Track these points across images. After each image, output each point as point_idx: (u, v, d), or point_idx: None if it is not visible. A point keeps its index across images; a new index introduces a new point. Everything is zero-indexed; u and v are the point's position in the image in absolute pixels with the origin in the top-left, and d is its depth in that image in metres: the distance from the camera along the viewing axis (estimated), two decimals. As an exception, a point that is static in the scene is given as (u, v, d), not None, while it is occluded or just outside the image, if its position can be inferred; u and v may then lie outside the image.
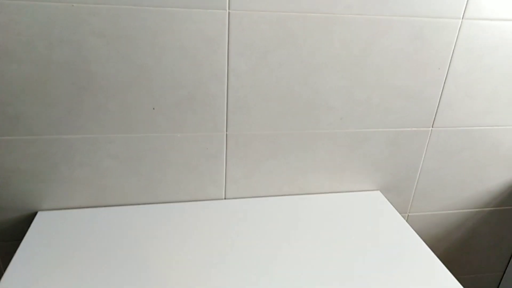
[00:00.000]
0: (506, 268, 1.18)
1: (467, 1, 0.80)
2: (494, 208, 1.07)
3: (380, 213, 0.90)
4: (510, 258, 1.17)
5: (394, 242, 0.81)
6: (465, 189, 1.02)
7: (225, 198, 0.92)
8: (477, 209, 1.06)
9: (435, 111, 0.90)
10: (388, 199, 0.98)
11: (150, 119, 0.80)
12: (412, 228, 0.99)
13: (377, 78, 0.84)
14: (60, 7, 0.68)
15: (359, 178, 0.96)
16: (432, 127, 0.92)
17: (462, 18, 0.81)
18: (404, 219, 0.97)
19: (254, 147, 0.88)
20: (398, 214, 0.90)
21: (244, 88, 0.81)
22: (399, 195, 1.00)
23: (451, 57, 0.85)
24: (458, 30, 0.82)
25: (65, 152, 0.80)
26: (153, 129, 0.82)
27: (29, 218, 0.85)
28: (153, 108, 0.80)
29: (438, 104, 0.89)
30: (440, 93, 0.88)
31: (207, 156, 0.87)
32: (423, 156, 0.96)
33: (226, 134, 0.85)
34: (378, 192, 0.98)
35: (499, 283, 1.21)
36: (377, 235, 0.82)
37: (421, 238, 0.96)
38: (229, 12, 0.74)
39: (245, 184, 0.92)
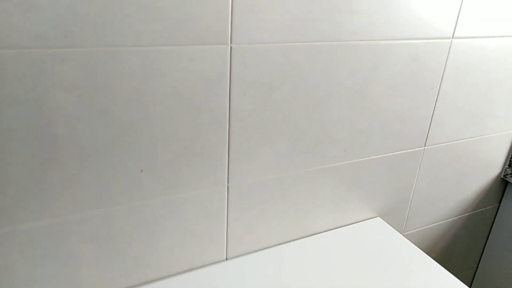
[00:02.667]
0: (478, 265, 1.25)
1: (457, 21, 0.80)
2: (471, 213, 1.11)
3: (386, 240, 0.85)
4: (481, 255, 1.23)
5: (410, 267, 0.76)
6: (449, 200, 1.04)
7: (226, 259, 0.79)
8: (458, 216, 1.09)
9: (428, 130, 0.89)
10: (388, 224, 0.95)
11: (137, 184, 0.63)
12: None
13: (378, 104, 0.80)
14: (11, 55, 0.48)
15: (361, 207, 0.90)
16: (425, 146, 0.91)
17: (452, 37, 0.81)
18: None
19: (258, 195, 0.76)
20: (405, 238, 0.86)
21: (247, 132, 0.69)
22: (395, 218, 0.98)
23: (442, 76, 0.84)
24: (448, 50, 0.82)
25: (24, 247, 0.58)
26: (141, 196, 0.65)
27: None
28: (141, 171, 0.63)
29: (430, 123, 0.89)
30: (432, 112, 0.87)
31: (206, 215, 0.72)
32: (416, 175, 0.94)
33: (228, 187, 0.72)
34: (378, 218, 0.94)
35: (472, 279, 1.27)
36: (391, 263, 0.77)
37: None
38: (231, 47, 0.61)
39: (248, 238, 0.79)
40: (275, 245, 0.83)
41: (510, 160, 1.09)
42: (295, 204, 0.81)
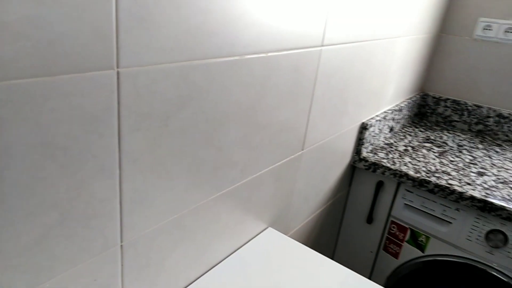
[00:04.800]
0: (337, 239, 1.41)
1: (325, 29, 0.82)
2: (332, 200, 1.23)
3: (277, 245, 0.85)
4: (339, 230, 1.39)
5: (296, 262, 0.79)
6: (318, 194, 1.12)
7: (125, 330, 0.63)
8: (324, 206, 1.19)
9: (305, 135, 0.91)
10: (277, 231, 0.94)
11: (-8, 285, 0.42)
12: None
13: (268, 117, 0.76)
14: None
15: (255, 223, 0.87)
16: (302, 150, 0.93)
17: (322, 45, 0.83)
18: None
19: (157, 245, 0.62)
20: (290, 239, 0.88)
21: (142, 174, 0.55)
22: (281, 223, 0.98)
23: (315, 83, 0.86)
24: (319, 57, 0.84)
25: None
26: (1, 299, 0.43)
27: None
28: (-3, 264, 0.42)
29: (307, 128, 0.91)
30: (308, 117, 0.89)
31: (97, 289, 0.55)
32: (296, 179, 0.96)
33: (122, 246, 0.56)
34: (270, 228, 0.92)
35: (334, 251, 1.43)
36: (283, 264, 0.78)
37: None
38: (118, 72, 0.46)
39: (148, 296, 0.65)
40: (177, 292, 0.71)
41: (356, 149, 1.24)
42: (196, 241, 0.71)
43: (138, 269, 0.60)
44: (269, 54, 0.69)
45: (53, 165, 0.43)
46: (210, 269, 0.77)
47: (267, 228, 0.92)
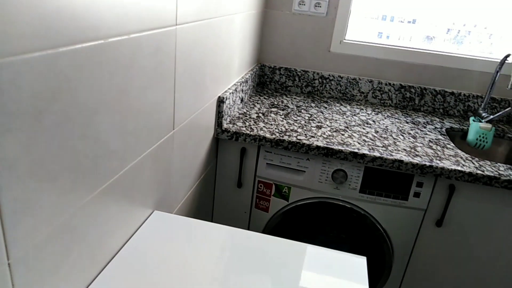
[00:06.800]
0: (213, 204, 1.48)
1: (177, 9, 0.84)
2: (205, 173, 1.29)
3: (166, 225, 0.87)
4: (214, 196, 1.47)
5: (188, 235, 0.85)
6: (193, 169, 1.15)
7: None
8: (199, 180, 1.24)
9: (173, 115, 0.93)
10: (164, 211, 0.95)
11: None
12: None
13: (139, 101, 0.75)
14: None
15: (141, 209, 0.85)
16: (174, 129, 0.95)
17: (176, 24, 0.85)
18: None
19: (48, 253, 0.57)
20: (177, 215, 0.91)
21: (21, 180, 0.49)
22: (165, 204, 0.99)
23: (175, 61, 0.88)
24: (175, 36, 0.85)
25: None
26: None
27: None
28: None
29: (174, 107, 0.92)
30: (174, 96, 0.91)
31: (-12, 320, 0.48)
32: (172, 159, 0.98)
33: (9, 264, 0.50)
34: (156, 211, 0.92)
35: (212, 215, 1.50)
36: (173, 239, 0.82)
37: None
38: (-23, 66, 0.39)
39: (46, 312, 0.59)
40: (76, 299, 0.66)
41: (217, 122, 1.31)
42: (88, 241, 0.67)
43: (31, 284, 0.54)
44: (131, 35, 0.68)
45: None
46: (106, 265, 0.74)
47: (153, 212, 0.92)
